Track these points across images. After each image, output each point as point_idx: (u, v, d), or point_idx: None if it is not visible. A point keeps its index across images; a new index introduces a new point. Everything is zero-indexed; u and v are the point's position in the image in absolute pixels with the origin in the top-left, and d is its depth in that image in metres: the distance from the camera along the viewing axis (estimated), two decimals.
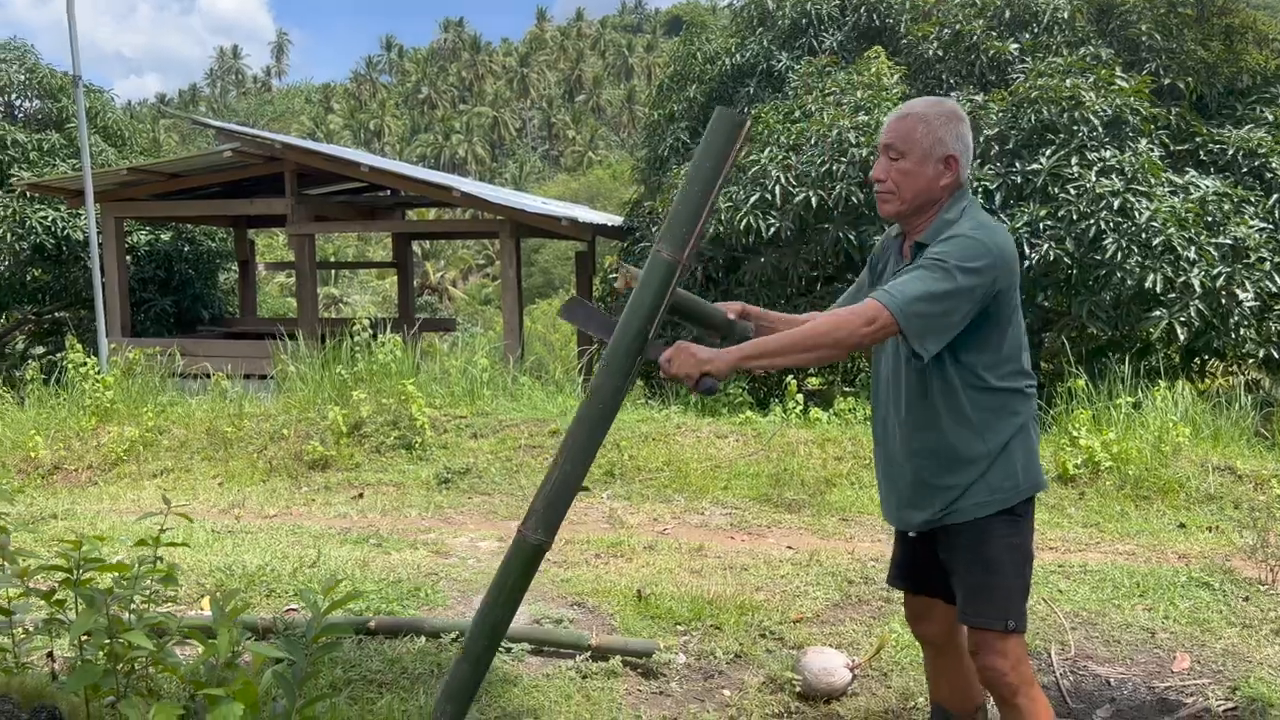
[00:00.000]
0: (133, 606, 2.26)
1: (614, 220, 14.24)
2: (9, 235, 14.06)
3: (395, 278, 21.17)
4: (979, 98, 9.59)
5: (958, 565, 2.38)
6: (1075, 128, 8.91)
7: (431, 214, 22.47)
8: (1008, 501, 2.31)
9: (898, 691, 3.53)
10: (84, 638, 2.27)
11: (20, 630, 2.91)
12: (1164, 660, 3.88)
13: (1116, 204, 8.33)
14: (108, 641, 2.20)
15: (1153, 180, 8.72)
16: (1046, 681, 3.68)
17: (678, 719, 3.36)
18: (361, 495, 6.93)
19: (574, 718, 3.30)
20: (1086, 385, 7.40)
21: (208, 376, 10.02)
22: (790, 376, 8.76)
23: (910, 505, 2.44)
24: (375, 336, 9.34)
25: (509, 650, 3.87)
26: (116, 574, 2.27)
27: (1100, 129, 8.92)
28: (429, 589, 4.64)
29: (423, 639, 3.95)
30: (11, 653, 2.74)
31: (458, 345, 13.15)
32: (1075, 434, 6.60)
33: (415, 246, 22.12)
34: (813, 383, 9.81)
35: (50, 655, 3.06)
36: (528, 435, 7.84)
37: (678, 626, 4.24)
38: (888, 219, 2.44)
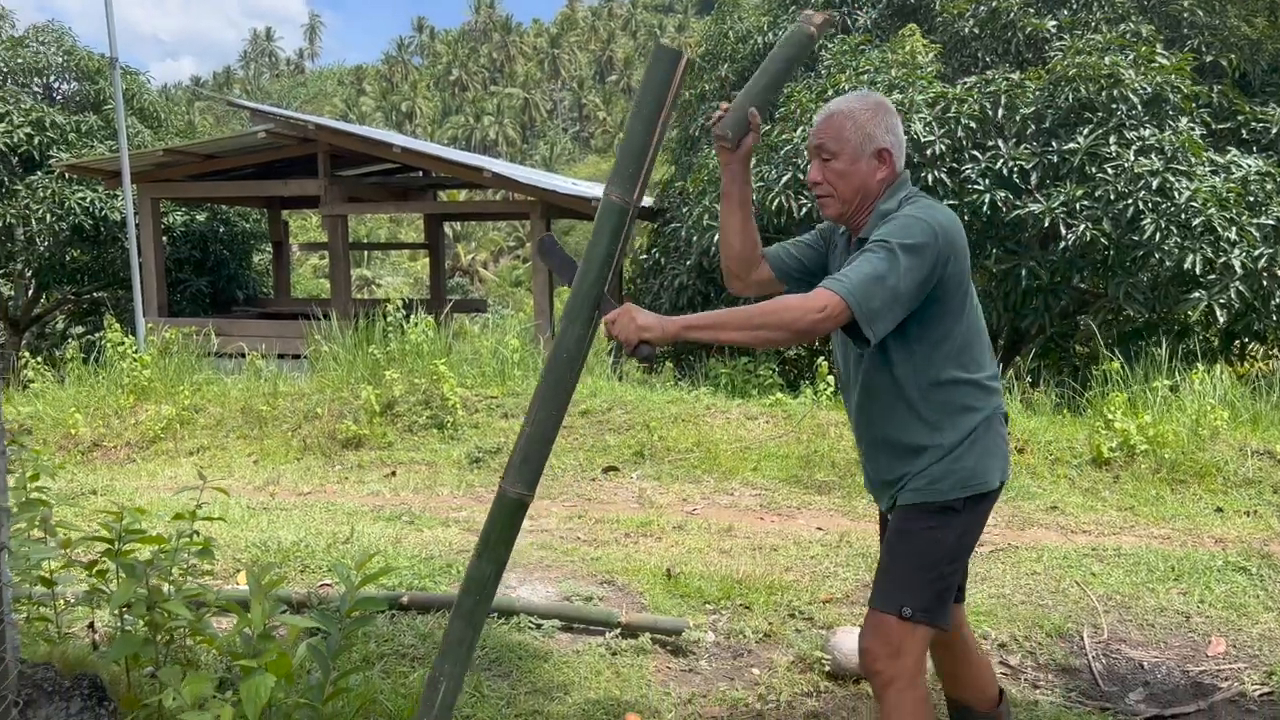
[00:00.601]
0: (171, 578, 2.30)
1: (644, 201, 14.22)
2: (49, 216, 14.26)
3: (427, 259, 21.26)
4: (1015, 76, 9.45)
5: (883, 544, 2.37)
6: (1114, 106, 8.76)
7: (461, 196, 22.54)
8: (944, 495, 2.22)
9: (928, 672, 3.52)
10: (124, 608, 2.31)
11: (61, 602, 2.97)
12: (1198, 644, 3.84)
13: (1155, 184, 8.20)
14: (147, 612, 2.25)
15: (1193, 159, 8.56)
16: (1079, 664, 3.66)
17: (707, 696, 3.38)
18: (394, 473, 6.99)
19: (604, 693, 3.33)
20: (1122, 368, 7.31)
21: (243, 356, 10.14)
22: (822, 359, 8.72)
23: (874, 488, 2.45)
24: (408, 317, 9.40)
25: (539, 626, 3.91)
26: (155, 546, 2.31)
27: (1140, 107, 8.77)
28: (461, 565, 4.68)
29: (457, 596, 3.99)
30: (54, 623, 2.80)
31: (488, 327, 13.20)
32: (1110, 417, 6.52)
33: (447, 229, 22.21)
34: (824, 368, 9.75)
35: (91, 626, 3.13)
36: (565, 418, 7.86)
37: (707, 605, 4.25)
38: (833, 221, 2.39)
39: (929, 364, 2.21)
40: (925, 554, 2.23)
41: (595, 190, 13.94)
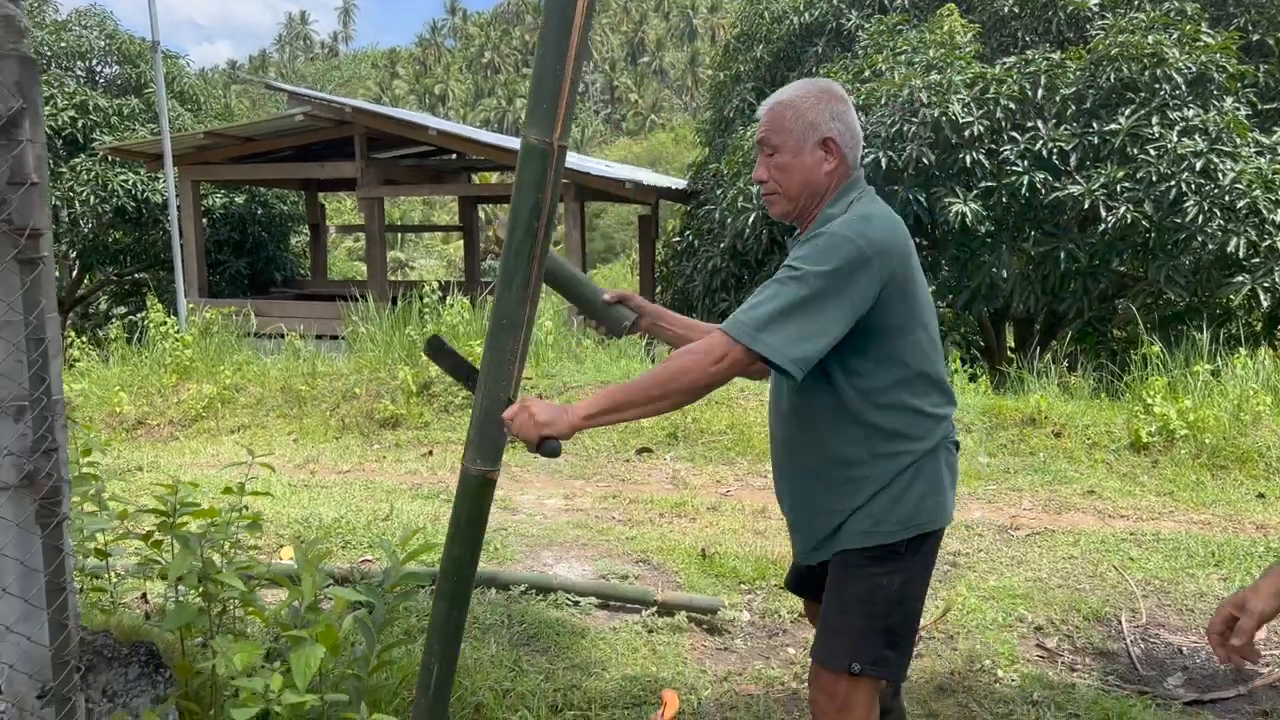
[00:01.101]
0: (223, 550, 2.36)
1: (677, 183, 14.19)
2: (92, 198, 14.49)
3: (460, 242, 21.35)
4: (1056, 55, 9.31)
5: (824, 595, 2.15)
6: (1157, 86, 8.62)
7: (494, 178, 22.60)
8: (886, 537, 2.04)
9: (964, 654, 3.53)
10: (178, 579, 2.38)
11: (114, 575, 3.06)
12: None
13: (1199, 165, 8.06)
14: (200, 583, 2.31)
15: (1238, 140, 8.41)
16: (1117, 648, 3.65)
17: (743, 674, 3.41)
18: (431, 453, 7.07)
19: (641, 669, 3.37)
20: (1162, 352, 7.22)
21: (281, 336, 10.27)
22: None
23: (794, 528, 2.25)
24: (443, 299, 9.48)
25: (576, 604, 3.95)
26: (207, 520, 2.37)
27: (1183, 87, 8.62)
28: (498, 543, 4.74)
29: (493, 591, 4.05)
30: (109, 593, 2.88)
31: None
32: (1150, 401, 6.45)
33: (480, 212, 22.28)
34: None
35: (143, 597, 3.21)
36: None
37: (742, 585, 4.28)
38: (782, 220, 2.19)
39: (870, 385, 2.02)
40: (871, 601, 2.05)
41: (628, 172, 13.94)
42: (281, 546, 4.51)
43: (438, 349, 2.22)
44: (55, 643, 1.84)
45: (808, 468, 2.14)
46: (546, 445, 1.93)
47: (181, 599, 2.47)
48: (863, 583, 2.06)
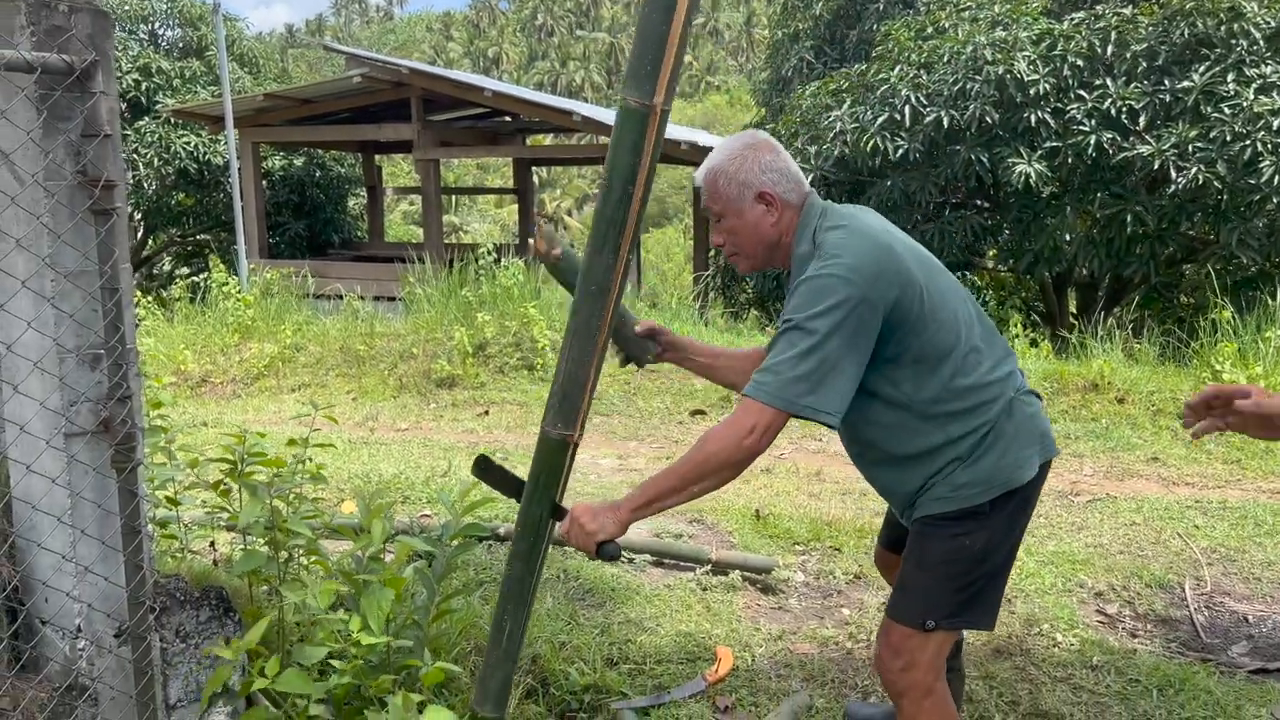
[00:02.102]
0: (290, 498, 2.41)
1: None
2: (156, 160, 14.76)
3: (514, 206, 21.41)
4: (1127, 10, 9.00)
5: (904, 552, 2.19)
6: (1233, 41, 8.29)
7: (548, 140, 22.58)
8: (970, 500, 2.04)
9: (1021, 618, 3.49)
10: (247, 528, 2.44)
11: (183, 525, 3.14)
12: None
13: (1276, 124, 7.76)
14: (268, 531, 2.36)
15: None
16: (1179, 615, 3.59)
17: (797, 633, 3.41)
18: (487, 413, 7.15)
19: (695, 626, 3.39)
20: (1233, 317, 7.02)
21: (339, 298, 10.43)
22: None
23: (895, 502, 2.26)
24: (498, 261, 9.53)
25: (631, 561, 3.99)
26: (275, 469, 2.42)
27: (1261, 43, 8.28)
28: None
29: (549, 547, 4.09)
30: (179, 541, 2.96)
31: None
32: (1218, 367, 6.29)
33: (534, 176, 22.30)
34: None
35: (211, 545, 3.30)
36: None
37: (796, 546, 4.28)
38: (752, 273, 2.30)
39: (922, 387, 2.02)
40: (951, 562, 2.06)
41: (684, 133, 13.83)
42: (342, 501, 4.61)
43: (484, 468, 2.26)
44: (131, 584, 1.90)
45: (887, 464, 2.15)
46: (604, 550, 2.01)
47: (250, 546, 2.53)
48: (945, 542, 2.07)
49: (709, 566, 3.91)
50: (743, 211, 2.09)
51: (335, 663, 2.19)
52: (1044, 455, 2.11)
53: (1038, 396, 2.19)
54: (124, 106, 15.19)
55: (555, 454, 2.03)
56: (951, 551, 2.06)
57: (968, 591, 2.08)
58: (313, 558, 2.54)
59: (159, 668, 2.03)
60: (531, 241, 2.41)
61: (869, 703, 2.92)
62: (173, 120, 14.71)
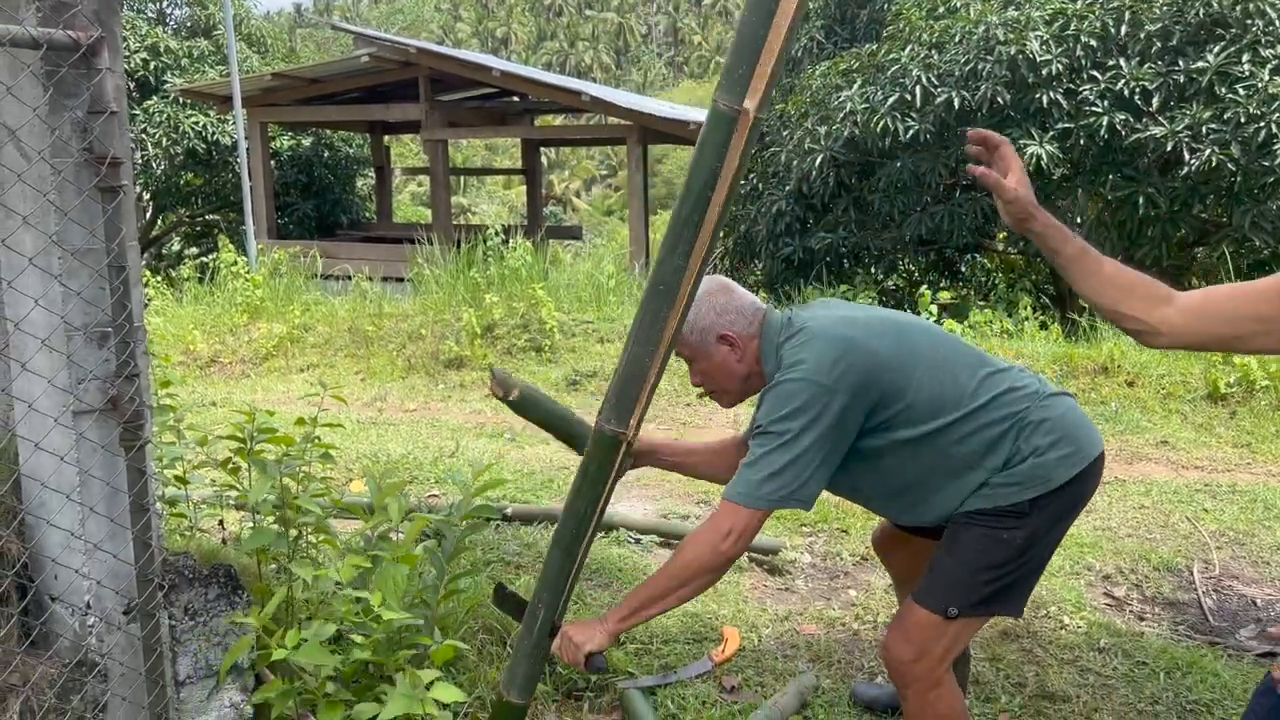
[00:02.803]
0: (299, 476, 2.42)
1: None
2: (164, 140, 14.75)
3: (522, 187, 21.37)
4: None
5: (941, 539, 2.20)
6: (1249, 21, 8.19)
7: (556, 122, 22.51)
8: (1008, 499, 2.06)
9: (1029, 600, 3.49)
10: (256, 506, 2.44)
11: (192, 504, 3.16)
12: None
13: None
14: (277, 509, 2.37)
15: None
16: (1187, 599, 3.58)
17: (804, 614, 3.42)
18: None
19: (701, 606, 3.39)
20: None
21: (348, 278, 10.43)
22: (925, 288, 8.54)
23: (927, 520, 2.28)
24: (506, 242, 9.53)
25: (638, 541, 3.99)
26: (284, 447, 2.43)
27: (1277, 23, 8.18)
28: (561, 481, 4.80)
29: (555, 527, 4.10)
30: (188, 520, 2.97)
31: (581, 255, 13.28)
32: None
33: (542, 157, 22.22)
34: (944, 296, 9.52)
35: (220, 524, 3.31)
36: None
37: (803, 528, 4.28)
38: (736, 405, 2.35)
39: (942, 431, 2.06)
40: (987, 553, 2.07)
41: (693, 113, 13.76)
42: (350, 480, 4.62)
43: (501, 596, 2.38)
44: (140, 561, 1.91)
45: (926, 499, 2.17)
46: (592, 661, 2.08)
47: (259, 525, 2.54)
48: (984, 534, 2.08)
49: None
50: (710, 355, 2.20)
51: (355, 638, 2.20)
52: (1085, 452, 2.09)
53: (1069, 395, 2.19)
54: (132, 86, 15.17)
55: (607, 450, 2.02)
56: (990, 544, 2.07)
57: (1000, 583, 2.08)
58: (322, 536, 2.55)
59: (168, 644, 2.04)
60: (488, 383, 2.45)
61: (875, 683, 2.92)
62: (181, 100, 14.69)
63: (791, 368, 2.04)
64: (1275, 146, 7.68)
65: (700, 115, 14.00)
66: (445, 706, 2.10)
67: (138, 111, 14.68)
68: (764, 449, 2.00)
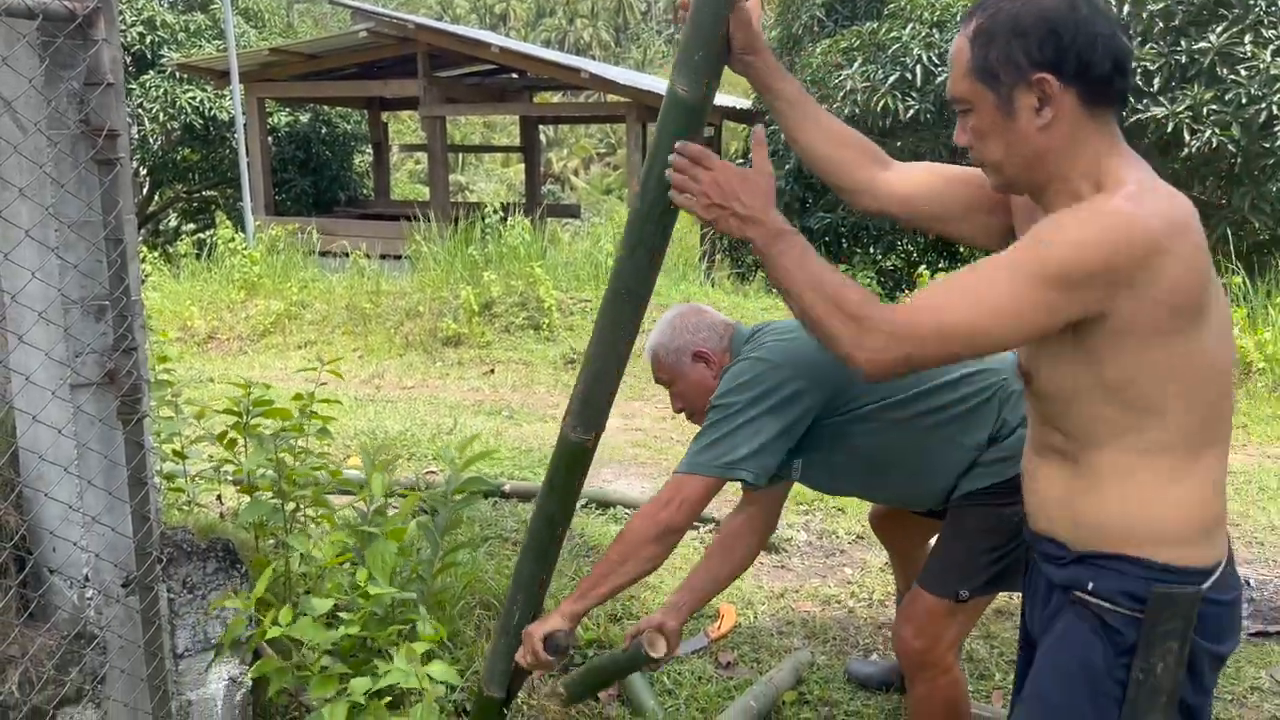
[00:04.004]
0: (296, 450, 2.42)
1: (742, 103, 13.91)
2: (161, 115, 14.65)
3: (520, 165, 21.29)
4: None
5: (944, 524, 2.23)
6: (1251, 2, 8.14)
7: (555, 99, 22.39)
8: (1005, 474, 2.04)
9: None
10: (252, 480, 2.45)
11: (189, 479, 3.16)
12: None
13: None
14: (274, 482, 2.37)
15: None
16: None
17: (799, 591, 3.44)
18: (493, 371, 7.16)
19: None
20: (1244, 282, 6.97)
21: (345, 255, 10.40)
22: (923, 267, 8.53)
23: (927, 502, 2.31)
24: (504, 220, 9.49)
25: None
26: (281, 420, 2.43)
27: (1279, 3, 8.15)
28: None
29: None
30: (186, 494, 2.98)
31: (579, 234, 13.25)
32: None
33: (541, 134, 22.11)
34: (942, 275, 9.51)
35: (218, 498, 3.32)
36: (650, 321, 7.91)
37: (800, 506, 4.29)
38: None
39: (905, 424, 2.09)
40: (991, 531, 2.06)
41: None
42: (348, 456, 4.63)
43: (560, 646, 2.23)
44: (138, 534, 1.91)
45: (913, 482, 2.21)
46: (551, 642, 1.99)
47: (256, 498, 2.54)
48: (986, 513, 2.09)
49: (712, 525, 3.93)
50: (686, 375, 2.24)
51: (344, 614, 2.21)
52: None
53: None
54: (128, 60, 15.06)
55: (574, 457, 1.95)
56: (992, 522, 2.07)
57: (1006, 560, 2.07)
58: (319, 510, 2.56)
59: (166, 617, 2.05)
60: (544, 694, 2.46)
61: (870, 660, 2.94)
62: (178, 75, 14.58)
63: (743, 356, 2.10)
64: (1276, 128, 7.66)
65: None
66: (442, 682, 2.12)
67: (134, 86, 14.58)
68: (709, 421, 2.04)
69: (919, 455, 2.13)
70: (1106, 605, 1.34)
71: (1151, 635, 1.31)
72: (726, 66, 1.69)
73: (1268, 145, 7.73)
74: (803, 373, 2.02)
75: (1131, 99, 8.12)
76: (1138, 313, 1.24)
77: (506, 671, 2.14)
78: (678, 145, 1.56)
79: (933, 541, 2.28)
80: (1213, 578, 1.33)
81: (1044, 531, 1.45)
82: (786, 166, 10.21)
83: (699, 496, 2.01)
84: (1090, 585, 1.37)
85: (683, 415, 2.32)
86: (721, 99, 14.45)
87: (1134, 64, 7.92)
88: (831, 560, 3.76)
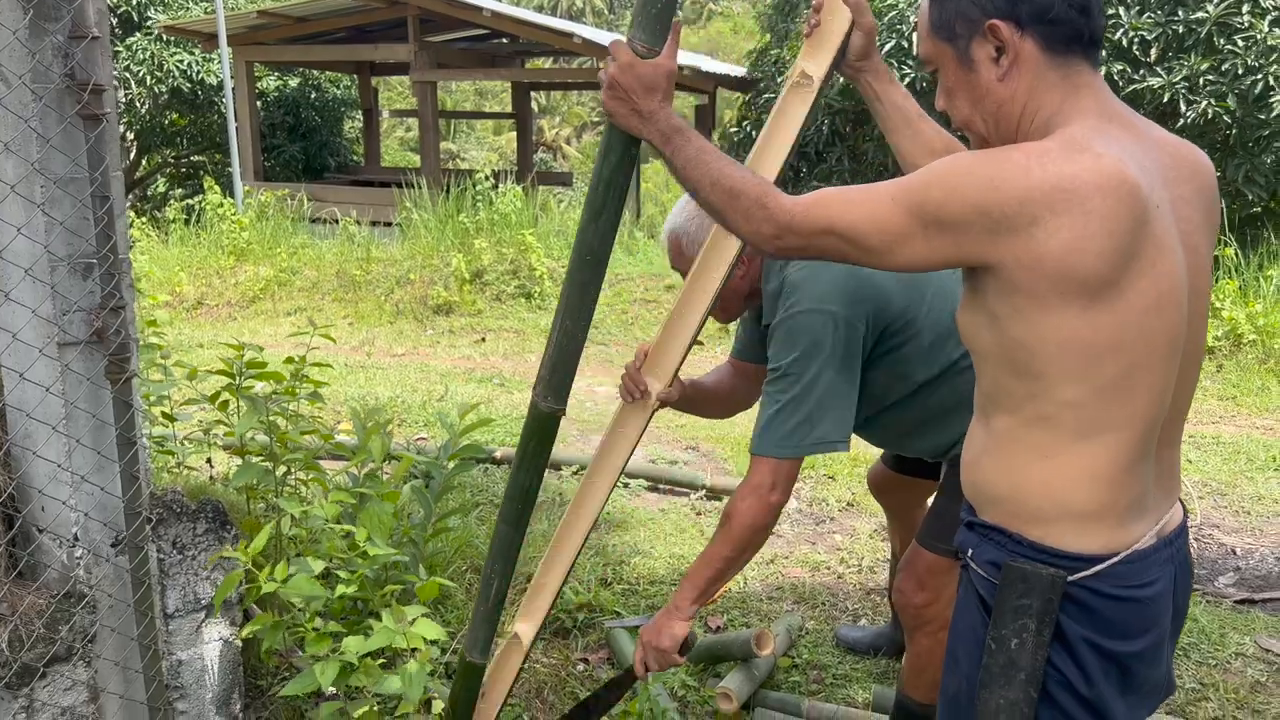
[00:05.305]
0: (288, 413, 2.41)
1: (736, 71, 13.80)
2: (148, 79, 14.47)
3: (512, 134, 21.13)
4: None
5: (942, 484, 2.22)
6: None
7: (547, 64, 22.19)
8: None
9: None
10: (244, 443, 2.44)
11: (179, 442, 3.15)
12: None
13: None
14: (267, 440, 2.36)
15: None
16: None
17: (790, 558, 3.45)
18: (484, 339, 7.14)
19: (689, 548, 3.42)
20: (1235, 254, 6.98)
21: (335, 222, 10.33)
22: None
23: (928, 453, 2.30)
24: (496, 187, 9.43)
25: (627, 485, 4.01)
26: (273, 383, 2.42)
27: None
28: None
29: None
30: (176, 457, 2.97)
31: (571, 202, 13.17)
32: (1218, 305, 6.27)
33: (533, 102, 21.92)
34: None
35: (209, 462, 3.31)
36: (642, 289, 7.88)
37: None
38: (736, 319, 2.32)
39: (942, 377, 2.07)
40: None
41: (685, 58, 13.57)
42: (339, 422, 4.62)
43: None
44: (127, 494, 1.90)
45: (942, 426, 2.18)
46: (685, 649, 2.06)
47: (247, 461, 2.53)
48: None
49: (703, 492, 3.94)
50: None
51: (341, 574, 2.20)
52: None
53: None
54: (115, 22, 14.85)
55: (545, 426, 1.91)
56: None
57: None
58: (310, 474, 2.55)
59: (156, 577, 2.04)
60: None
61: (859, 625, 2.96)
62: (165, 37, 14.39)
63: (796, 297, 1.98)
64: (1272, 99, 7.64)
65: (691, 60, 13.84)
66: (433, 642, 2.12)
67: (120, 49, 14.39)
68: (784, 393, 1.95)
69: (931, 408, 2.11)
70: (980, 574, 1.32)
71: (1003, 608, 1.26)
72: (836, 71, 1.70)
73: (1263, 116, 7.71)
74: (859, 312, 1.97)
75: (1128, 69, 8.09)
76: (1025, 270, 1.18)
77: (489, 639, 2.12)
78: (610, 45, 1.54)
79: (929, 501, 2.28)
80: (1096, 567, 1.25)
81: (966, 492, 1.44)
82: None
83: (795, 473, 2.00)
84: (970, 552, 1.35)
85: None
86: (716, 66, 14.36)
87: (1132, 33, 7.89)
88: (821, 527, 3.78)
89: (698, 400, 2.39)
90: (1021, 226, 1.17)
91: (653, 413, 1.99)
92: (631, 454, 2.04)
